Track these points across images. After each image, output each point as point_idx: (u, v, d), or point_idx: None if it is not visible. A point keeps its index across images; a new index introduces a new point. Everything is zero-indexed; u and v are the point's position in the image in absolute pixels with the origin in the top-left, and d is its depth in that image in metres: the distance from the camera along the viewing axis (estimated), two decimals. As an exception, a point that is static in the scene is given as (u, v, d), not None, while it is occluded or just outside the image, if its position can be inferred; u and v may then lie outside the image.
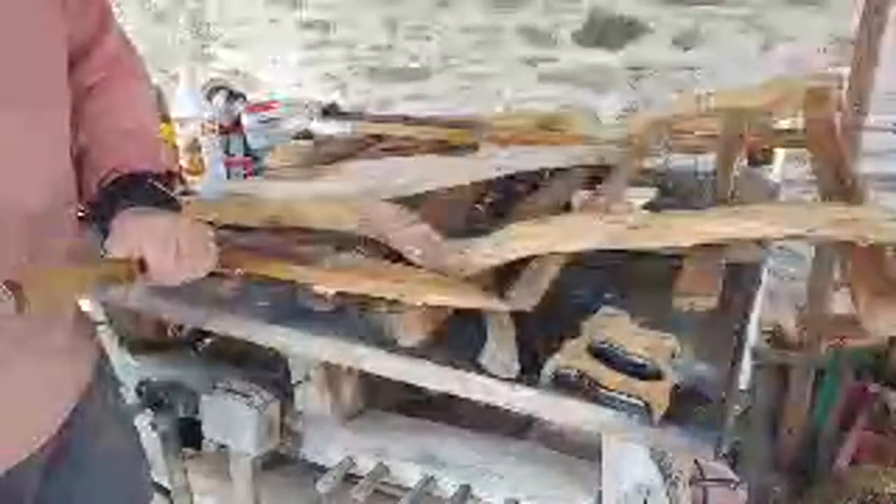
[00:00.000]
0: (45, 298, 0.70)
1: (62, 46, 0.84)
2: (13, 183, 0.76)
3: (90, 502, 1.01)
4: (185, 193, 1.51)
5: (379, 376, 0.95)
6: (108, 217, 0.87)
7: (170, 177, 0.99)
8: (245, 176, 1.64)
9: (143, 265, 0.81)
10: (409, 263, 0.94)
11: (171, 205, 0.91)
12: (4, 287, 0.66)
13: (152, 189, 0.89)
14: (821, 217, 0.75)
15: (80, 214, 0.94)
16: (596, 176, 1.29)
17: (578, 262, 1.05)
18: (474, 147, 1.51)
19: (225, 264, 0.95)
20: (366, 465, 1.10)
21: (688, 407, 0.75)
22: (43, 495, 0.93)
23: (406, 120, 1.65)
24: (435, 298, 0.83)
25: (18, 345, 0.80)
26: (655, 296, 0.94)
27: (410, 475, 1.07)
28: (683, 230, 0.81)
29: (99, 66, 0.94)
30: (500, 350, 0.82)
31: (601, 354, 0.82)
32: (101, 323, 1.41)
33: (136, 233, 0.81)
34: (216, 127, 1.51)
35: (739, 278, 1.00)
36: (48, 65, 0.81)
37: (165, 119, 1.62)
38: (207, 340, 1.59)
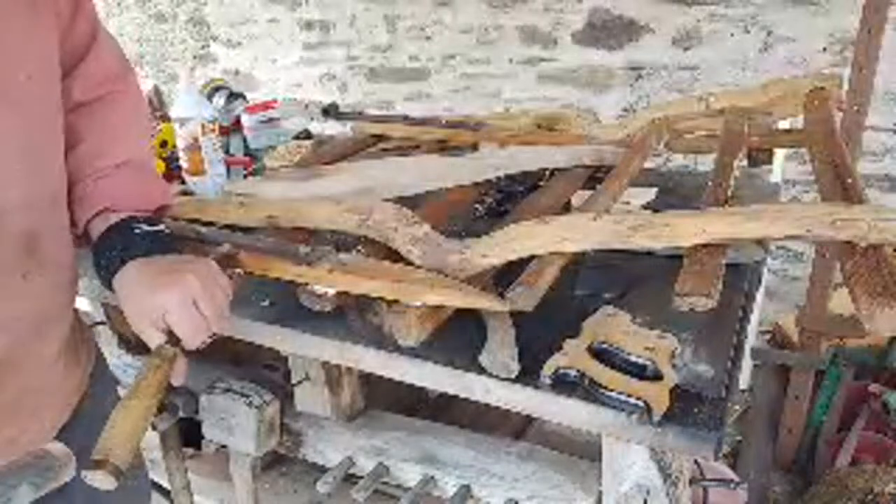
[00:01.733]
0: (130, 454, 0.72)
1: (55, 53, 0.84)
2: (7, 189, 0.75)
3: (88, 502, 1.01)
4: (185, 193, 1.51)
5: (379, 376, 0.95)
6: (109, 269, 0.86)
7: (162, 210, 0.98)
8: (245, 176, 1.64)
9: (174, 336, 0.81)
10: (409, 263, 0.94)
11: (167, 244, 0.90)
12: (94, 469, 0.69)
13: (144, 236, 0.88)
14: (821, 217, 0.75)
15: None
16: (596, 176, 1.29)
17: (578, 262, 1.05)
18: (474, 147, 1.51)
19: (227, 266, 0.95)
20: (366, 465, 1.10)
21: (688, 407, 0.75)
22: (41, 498, 0.93)
23: (406, 120, 1.65)
24: (435, 298, 0.83)
25: (16, 354, 0.80)
26: (655, 296, 0.94)
27: (410, 475, 1.07)
28: (683, 230, 0.81)
29: (92, 83, 0.93)
30: (500, 350, 0.82)
31: (601, 354, 0.82)
32: (102, 323, 1.41)
33: (156, 312, 0.80)
34: (216, 127, 1.51)
35: (739, 278, 1.00)
36: (42, 70, 0.81)
37: (165, 119, 1.62)
38: (207, 340, 1.58)
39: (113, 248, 0.87)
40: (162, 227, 0.91)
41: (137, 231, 0.88)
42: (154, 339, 0.81)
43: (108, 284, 0.87)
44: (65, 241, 0.88)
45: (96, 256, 0.89)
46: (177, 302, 0.79)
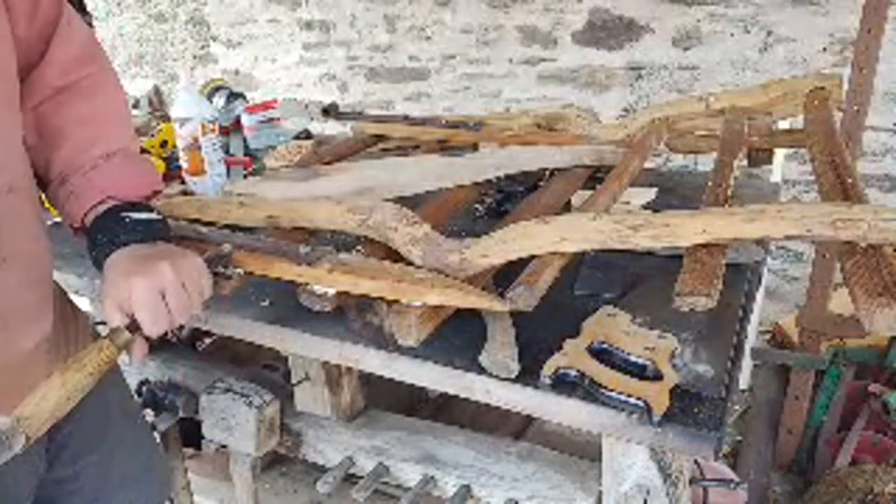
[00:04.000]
0: (45, 425, 0.71)
1: (8, 49, 0.83)
2: None
3: (96, 496, 1.02)
4: (185, 193, 1.51)
5: (379, 376, 0.95)
6: (100, 259, 0.86)
7: (155, 195, 0.98)
8: (245, 176, 1.64)
9: (135, 323, 0.80)
10: (409, 263, 0.94)
11: (158, 231, 0.89)
12: (9, 425, 0.68)
13: (135, 223, 0.88)
14: (821, 217, 0.75)
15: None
16: (596, 176, 1.29)
17: (578, 262, 1.05)
18: (474, 147, 1.51)
19: (224, 265, 0.95)
20: (366, 465, 1.10)
21: (688, 407, 0.75)
22: (42, 492, 0.93)
23: (406, 120, 1.65)
24: (435, 298, 0.83)
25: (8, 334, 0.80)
26: (655, 296, 0.94)
27: (410, 475, 1.07)
28: (683, 230, 0.81)
29: (65, 66, 0.92)
30: (500, 350, 0.82)
31: (601, 354, 0.82)
32: (102, 323, 1.41)
33: (122, 294, 0.79)
34: (216, 127, 1.51)
35: (739, 278, 1.00)
36: None
37: (165, 119, 1.62)
38: (207, 340, 1.59)
39: (103, 235, 0.87)
40: (153, 214, 0.91)
41: (127, 220, 0.88)
42: (116, 321, 0.80)
43: (97, 262, 0.87)
44: (29, 233, 0.87)
45: (89, 245, 0.89)
46: (143, 288, 0.78)
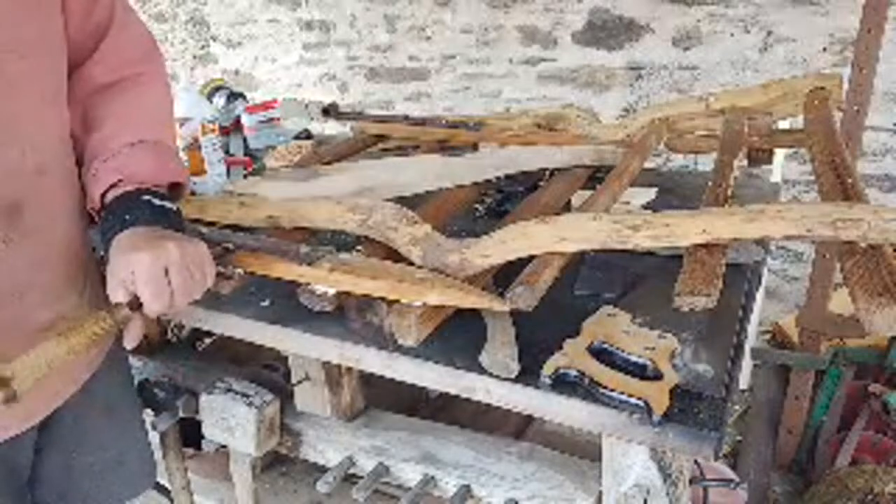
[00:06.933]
0: (33, 384, 0.70)
1: (57, 33, 0.85)
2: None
3: (82, 481, 1.02)
4: (184, 193, 1.51)
5: (379, 376, 0.95)
6: (108, 236, 0.86)
7: (176, 187, 0.98)
8: (245, 176, 1.64)
9: (136, 300, 0.80)
10: (410, 263, 0.94)
11: (172, 220, 0.90)
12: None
13: (149, 206, 0.88)
14: (821, 217, 0.75)
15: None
16: (596, 176, 1.29)
17: (578, 262, 1.05)
18: (474, 147, 1.51)
19: (225, 264, 0.95)
20: (366, 465, 1.10)
21: (688, 407, 0.75)
22: (38, 469, 0.95)
23: (406, 120, 1.65)
24: (435, 298, 0.83)
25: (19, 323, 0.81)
26: (655, 296, 0.94)
27: (410, 475, 1.07)
28: (683, 230, 0.81)
29: (113, 65, 0.94)
30: (500, 350, 0.82)
31: (601, 354, 0.82)
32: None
33: (126, 269, 0.80)
34: (216, 127, 1.51)
35: (739, 278, 1.00)
36: (37, 50, 0.81)
37: (165, 119, 1.62)
38: (207, 340, 1.59)
39: (117, 213, 0.87)
40: (171, 204, 0.92)
41: (146, 199, 0.88)
42: (118, 297, 0.80)
43: (106, 240, 0.87)
44: (57, 215, 0.88)
45: (102, 222, 0.89)
46: (148, 262, 0.79)
